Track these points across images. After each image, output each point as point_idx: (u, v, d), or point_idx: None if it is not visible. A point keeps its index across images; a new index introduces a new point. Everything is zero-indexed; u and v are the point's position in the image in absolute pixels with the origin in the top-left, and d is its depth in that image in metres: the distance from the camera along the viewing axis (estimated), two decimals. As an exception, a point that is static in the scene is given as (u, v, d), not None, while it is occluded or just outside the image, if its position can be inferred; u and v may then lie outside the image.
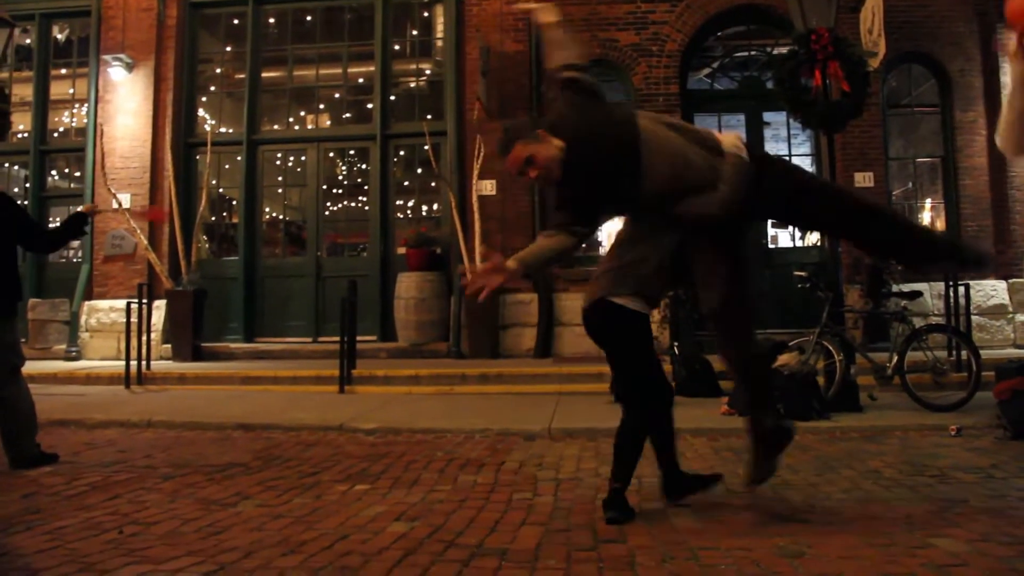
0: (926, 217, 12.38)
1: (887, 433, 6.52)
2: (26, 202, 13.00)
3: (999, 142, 2.84)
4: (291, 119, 13.32)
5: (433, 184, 12.53)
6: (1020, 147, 2.79)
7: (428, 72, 12.94)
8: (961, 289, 9.45)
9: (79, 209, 6.07)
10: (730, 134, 4.01)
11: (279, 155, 13.38)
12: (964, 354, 8.11)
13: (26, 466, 5.38)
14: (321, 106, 13.40)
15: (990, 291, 11.14)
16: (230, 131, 13.06)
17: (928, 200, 12.36)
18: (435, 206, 12.77)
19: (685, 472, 4.34)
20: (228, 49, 13.33)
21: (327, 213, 13.01)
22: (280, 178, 13.49)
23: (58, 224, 6.11)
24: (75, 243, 12.96)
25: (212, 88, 13.41)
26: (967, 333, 9.08)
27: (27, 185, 13.40)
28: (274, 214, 13.46)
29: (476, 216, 11.28)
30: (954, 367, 8.29)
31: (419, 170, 12.69)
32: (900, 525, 3.78)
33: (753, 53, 12.59)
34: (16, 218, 5.65)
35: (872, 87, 8.91)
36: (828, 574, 3.09)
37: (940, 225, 12.00)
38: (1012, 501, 4.21)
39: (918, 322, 8.36)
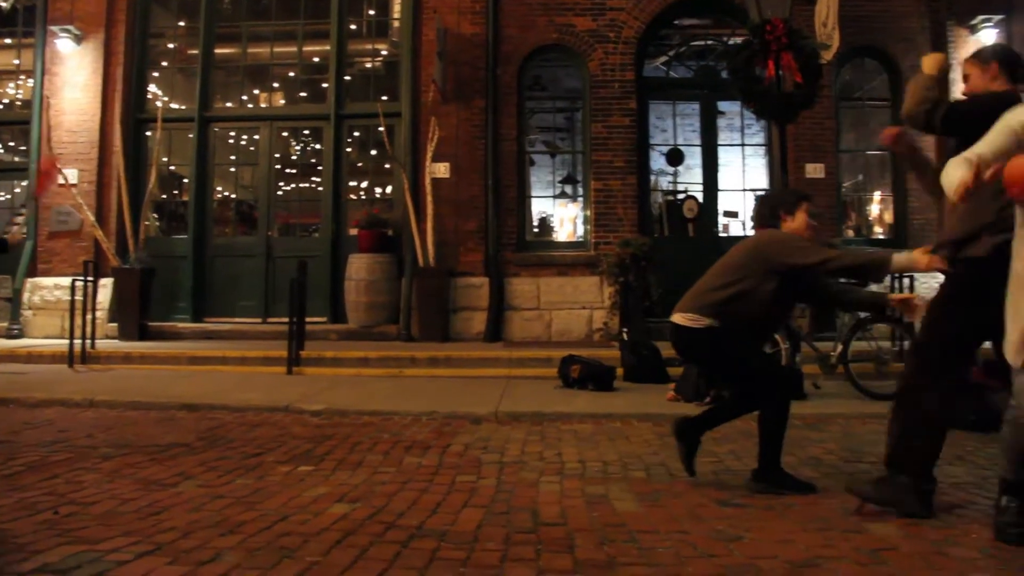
0: (875, 210, 12.56)
1: (829, 421, 6.61)
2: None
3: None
4: (244, 97, 13.14)
5: (387, 166, 12.46)
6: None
7: (384, 53, 12.83)
8: (906, 280, 9.60)
9: (6, 237, 5.97)
10: None
11: (231, 133, 13.19)
12: (907, 344, 8.26)
13: (-39, 444, 5.28)
14: (275, 84, 13.24)
15: (934, 283, 11.30)
16: (182, 107, 12.85)
17: (877, 193, 12.53)
18: (388, 188, 12.71)
19: (783, 469, 4.39)
20: (181, 24, 13.09)
21: (279, 193, 12.87)
22: (232, 156, 13.31)
23: None
24: (19, 218, 12.69)
25: (164, 63, 13.17)
26: (911, 324, 9.22)
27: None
28: (225, 193, 13.30)
29: (429, 199, 11.24)
30: (897, 357, 8.43)
31: (373, 151, 12.60)
32: (836, 510, 3.84)
33: (709, 43, 12.66)
34: None
35: (825, 79, 9.02)
36: (763, 557, 3.13)
37: (887, 218, 12.18)
38: (944, 488, 4.28)
39: (862, 313, 8.47)
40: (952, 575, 2.93)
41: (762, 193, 10.01)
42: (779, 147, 8.68)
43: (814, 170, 11.54)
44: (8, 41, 13.34)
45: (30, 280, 12.08)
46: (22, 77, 13.21)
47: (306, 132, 13.17)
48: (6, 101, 13.41)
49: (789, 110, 8.45)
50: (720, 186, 12.34)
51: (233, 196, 13.26)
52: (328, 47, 12.44)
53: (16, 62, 13.27)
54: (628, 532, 3.47)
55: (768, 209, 4.74)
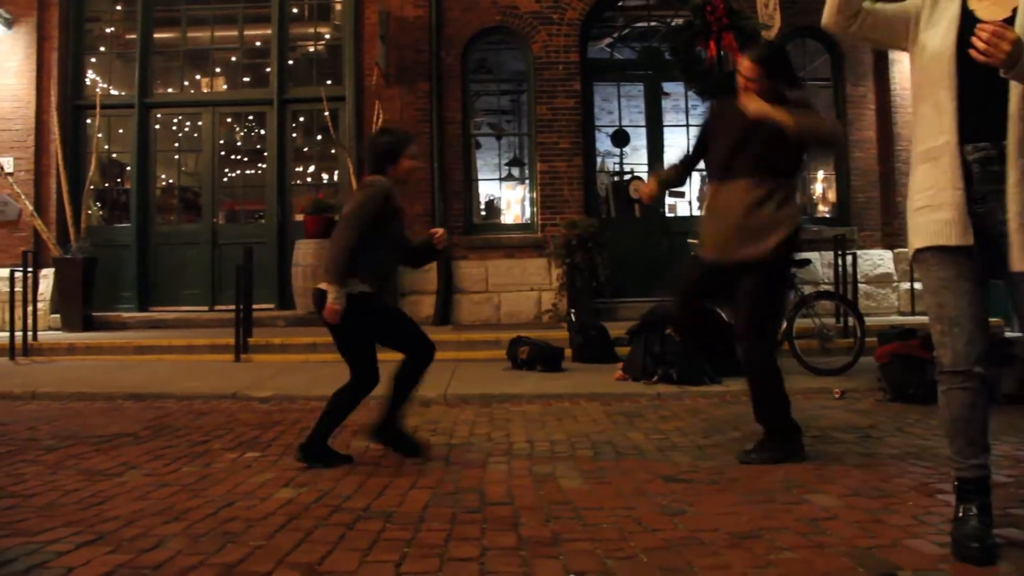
0: (818, 188, 12.73)
1: (774, 395, 6.71)
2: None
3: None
4: (185, 82, 12.92)
5: (332, 151, 12.35)
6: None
7: (327, 36, 12.70)
8: (849, 258, 9.78)
9: None
10: None
11: (174, 119, 12.98)
12: (851, 321, 8.42)
13: None
14: (217, 69, 13.04)
15: (877, 260, 11.55)
16: (121, 93, 12.60)
17: (820, 172, 12.70)
18: (334, 173, 12.60)
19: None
20: (118, 8, 12.80)
21: (224, 179, 12.72)
22: (175, 143, 13.10)
23: None
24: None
25: (101, 48, 12.89)
26: (854, 300, 9.40)
27: None
28: (168, 180, 13.08)
29: (374, 184, 11.16)
30: (840, 333, 8.60)
31: (318, 136, 12.49)
32: (778, 483, 3.91)
33: (653, 24, 12.68)
34: None
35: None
36: (706, 529, 3.18)
37: (831, 196, 12.36)
38: (884, 459, 4.39)
39: (807, 290, 8.61)
40: (888, 541, 3.00)
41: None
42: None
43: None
44: (-64, 26, 12.96)
45: (-33, 272, 11.82)
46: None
47: (250, 117, 12.99)
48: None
49: (731, 90, 8.50)
50: (666, 166, 12.39)
51: (176, 183, 13.04)
52: (270, 31, 12.28)
53: (-56, 48, 12.91)
54: (573, 509, 3.51)
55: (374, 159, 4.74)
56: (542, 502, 3.63)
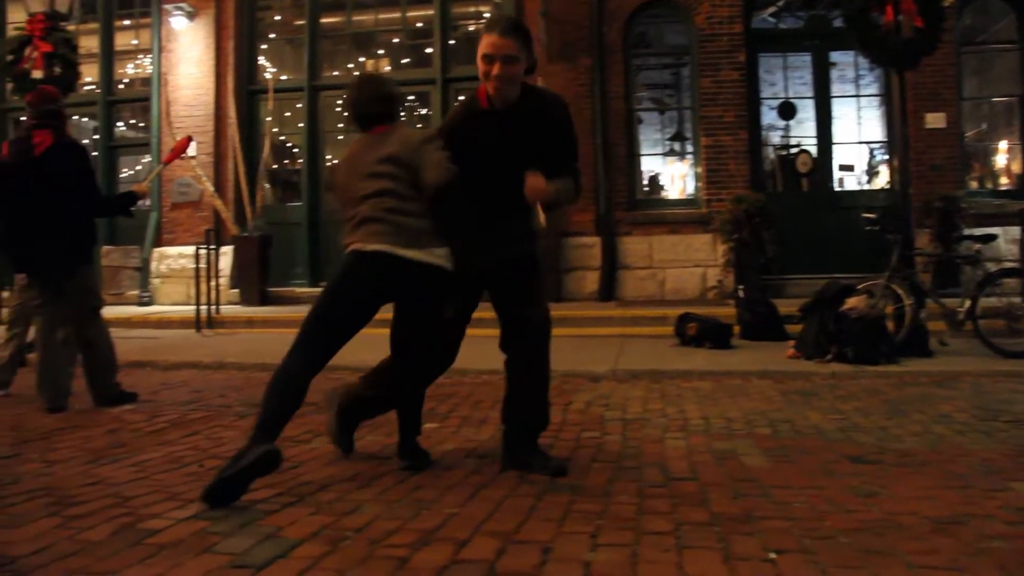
0: (1000, 160, 12.02)
1: (958, 378, 6.41)
2: (95, 152, 13.19)
3: None
4: (351, 64, 13.32)
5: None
6: None
7: (487, 15, 12.81)
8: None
9: (133, 188, 6.19)
10: None
11: (340, 101, 13.39)
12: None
13: (108, 404, 5.56)
14: (380, 51, 13.38)
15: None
16: (291, 78, 13.12)
17: (1004, 142, 11.99)
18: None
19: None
20: (287, -5, 13.34)
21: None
22: (341, 124, 13.52)
23: (115, 194, 6.16)
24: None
25: (272, 35, 13.46)
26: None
27: (96, 136, 13.64)
28: (336, 160, 13.51)
29: (539, 157, 11.22)
30: (1030, 312, 8.09)
31: (480, 114, 12.62)
32: (976, 469, 3.73)
33: (821, -10, 12.23)
34: (89, 172, 5.80)
35: (946, 23, 8.63)
36: (903, 512, 3.06)
37: (1015, 168, 11.65)
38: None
39: (991, 267, 8.15)
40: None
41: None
42: (899, 96, 8.35)
43: (934, 120, 11.10)
44: (127, 22, 13.81)
45: (157, 250, 12.60)
46: (140, 56, 13.69)
47: (412, 97, 13.27)
48: (127, 80, 13.91)
49: (909, 56, 8.10)
50: (834, 139, 11.99)
51: (344, 163, 13.46)
52: (432, 11, 12.51)
53: (135, 42, 13.77)
54: (760, 487, 3.45)
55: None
56: (727, 479, 3.59)
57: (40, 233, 5.50)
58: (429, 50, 12.65)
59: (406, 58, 13.08)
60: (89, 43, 13.58)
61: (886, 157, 12.26)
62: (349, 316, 3.70)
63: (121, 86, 13.86)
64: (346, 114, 4.09)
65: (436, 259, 3.63)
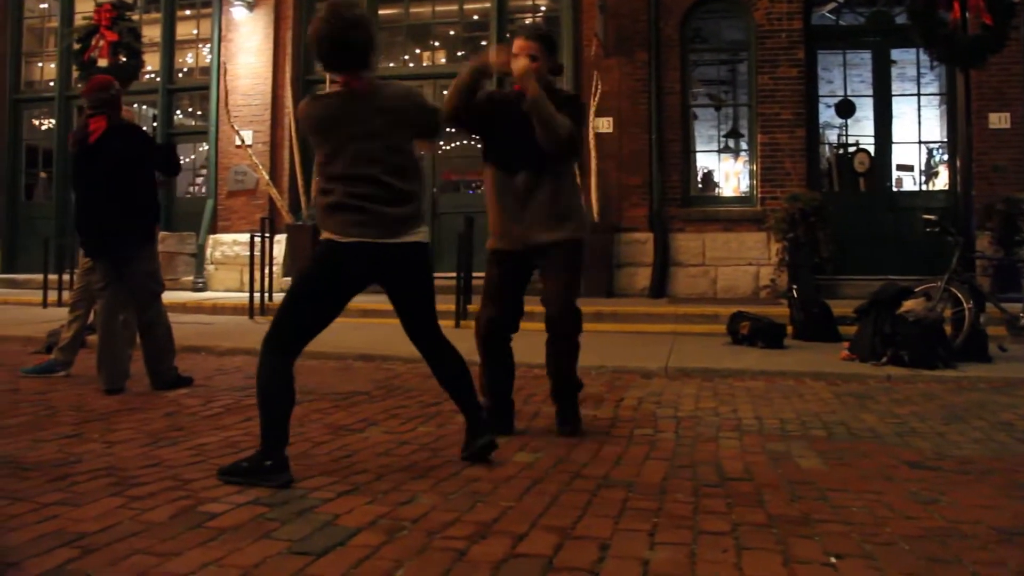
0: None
1: (1019, 385, 6.28)
2: (156, 140, 13.42)
3: None
4: (407, 56, 13.39)
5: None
6: None
7: (543, 8, 12.81)
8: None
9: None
10: None
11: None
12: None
13: (165, 387, 5.66)
14: (436, 43, 13.43)
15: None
16: (348, 68, 13.19)
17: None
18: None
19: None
20: (347, -14, 13.40)
21: (441, 151, 13.09)
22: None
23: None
24: (199, 179, 13.41)
25: (331, 26, 13.53)
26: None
27: (155, 124, 13.85)
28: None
29: (593, 154, 11.22)
30: None
31: (536, 107, 12.61)
32: (1043, 478, 3.65)
33: (882, -14, 12.03)
34: (147, 145, 5.97)
35: (1015, 20, 8.43)
36: (966, 521, 3.00)
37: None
38: None
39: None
40: None
41: None
42: (964, 95, 8.17)
43: (998, 120, 10.88)
44: (188, 12, 14.01)
45: (212, 237, 12.78)
46: (200, 45, 13.88)
47: (467, 90, 13.28)
48: (187, 69, 14.12)
49: (976, 54, 7.93)
50: (893, 138, 11.80)
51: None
52: (488, 4, 12.54)
53: (195, 32, 13.95)
54: (817, 489, 3.41)
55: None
56: (782, 480, 3.55)
57: (105, 216, 5.62)
58: (484, 43, 12.66)
59: (462, 50, 13.10)
60: (151, 32, 13.83)
61: (946, 157, 12.04)
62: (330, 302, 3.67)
63: (181, 75, 14.08)
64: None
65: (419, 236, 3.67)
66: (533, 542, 2.71)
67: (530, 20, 12.80)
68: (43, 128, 15.17)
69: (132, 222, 5.68)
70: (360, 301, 9.58)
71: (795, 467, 3.80)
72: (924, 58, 11.41)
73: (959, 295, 7.41)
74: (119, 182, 5.64)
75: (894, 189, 11.92)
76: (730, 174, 13.42)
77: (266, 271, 10.41)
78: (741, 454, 4.05)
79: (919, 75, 12.14)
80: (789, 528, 2.88)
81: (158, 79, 13.74)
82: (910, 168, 12.31)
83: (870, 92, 11.97)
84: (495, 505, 3.12)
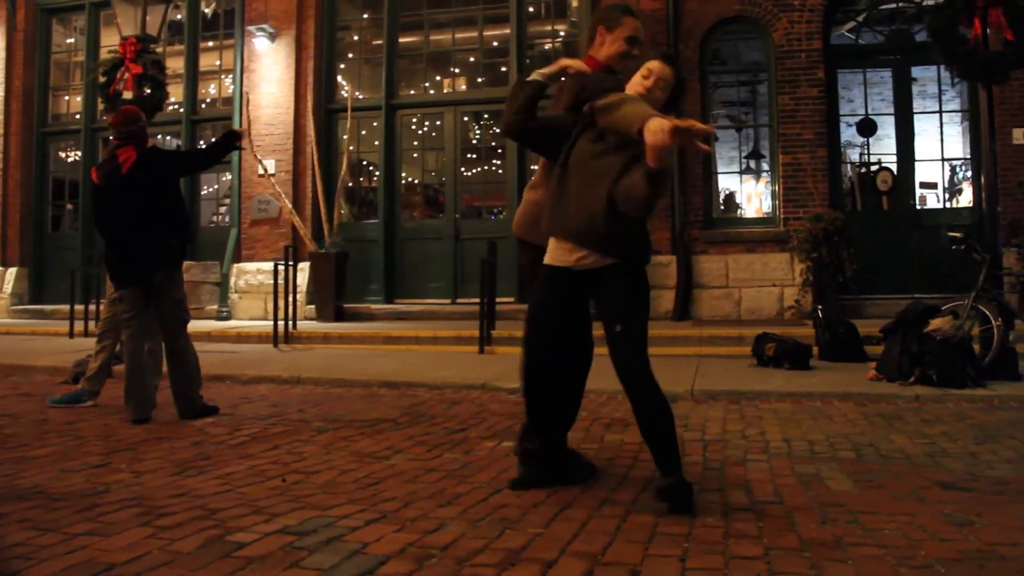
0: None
1: (1052, 404, 6.21)
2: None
3: None
4: (427, 84, 13.49)
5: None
6: None
7: (563, 33, 12.87)
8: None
9: (235, 128, 6.36)
10: None
11: (416, 119, 13.56)
12: None
13: (192, 416, 5.69)
14: (456, 70, 13.52)
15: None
16: (368, 96, 13.32)
17: None
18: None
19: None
20: (365, 16, 13.58)
21: (464, 176, 13.15)
22: (416, 142, 13.68)
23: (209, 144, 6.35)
24: (223, 208, 13.52)
25: (351, 55, 13.70)
26: None
27: (179, 152, 13.99)
28: (412, 178, 13.70)
29: (613, 178, 11.18)
30: None
31: (555, 132, 12.66)
32: (1082, 500, 3.59)
33: (900, 5, 11.99)
34: (170, 162, 6.08)
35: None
36: (1003, 543, 2.96)
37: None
38: None
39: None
40: None
41: None
42: (987, 111, 8.13)
43: (1022, 135, 10.79)
44: (211, 44, 14.20)
45: (236, 265, 12.86)
46: (223, 76, 14.05)
47: (487, 116, 13.38)
48: (210, 99, 14.28)
49: (999, 70, 7.91)
50: (916, 156, 11.74)
51: (419, 181, 13.66)
52: (508, 30, 12.59)
53: (217, 63, 14.12)
54: (849, 512, 3.36)
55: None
56: (813, 503, 3.51)
57: (141, 243, 5.70)
58: (504, 69, 12.73)
59: (482, 77, 13.18)
60: (175, 64, 13.98)
61: (969, 174, 11.96)
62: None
63: (204, 105, 14.23)
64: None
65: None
66: (563, 569, 2.69)
67: (549, 46, 12.87)
68: (69, 160, 15.36)
69: (167, 243, 5.78)
70: (383, 328, 9.65)
71: (826, 489, 3.76)
72: (945, 75, 11.40)
73: (987, 313, 7.34)
74: (155, 206, 5.75)
75: (918, 207, 11.84)
76: (752, 195, 13.39)
77: (290, 299, 10.46)
78: (770, 477, 4.02)
79: (940, 92, 12.10)
80: (822, 552, 2.85)
81: (182, 110, 13.90)
82: (933, 186, 12.24)
83: (891, 110, 11.91)
84: (524, 532, 3.10)
